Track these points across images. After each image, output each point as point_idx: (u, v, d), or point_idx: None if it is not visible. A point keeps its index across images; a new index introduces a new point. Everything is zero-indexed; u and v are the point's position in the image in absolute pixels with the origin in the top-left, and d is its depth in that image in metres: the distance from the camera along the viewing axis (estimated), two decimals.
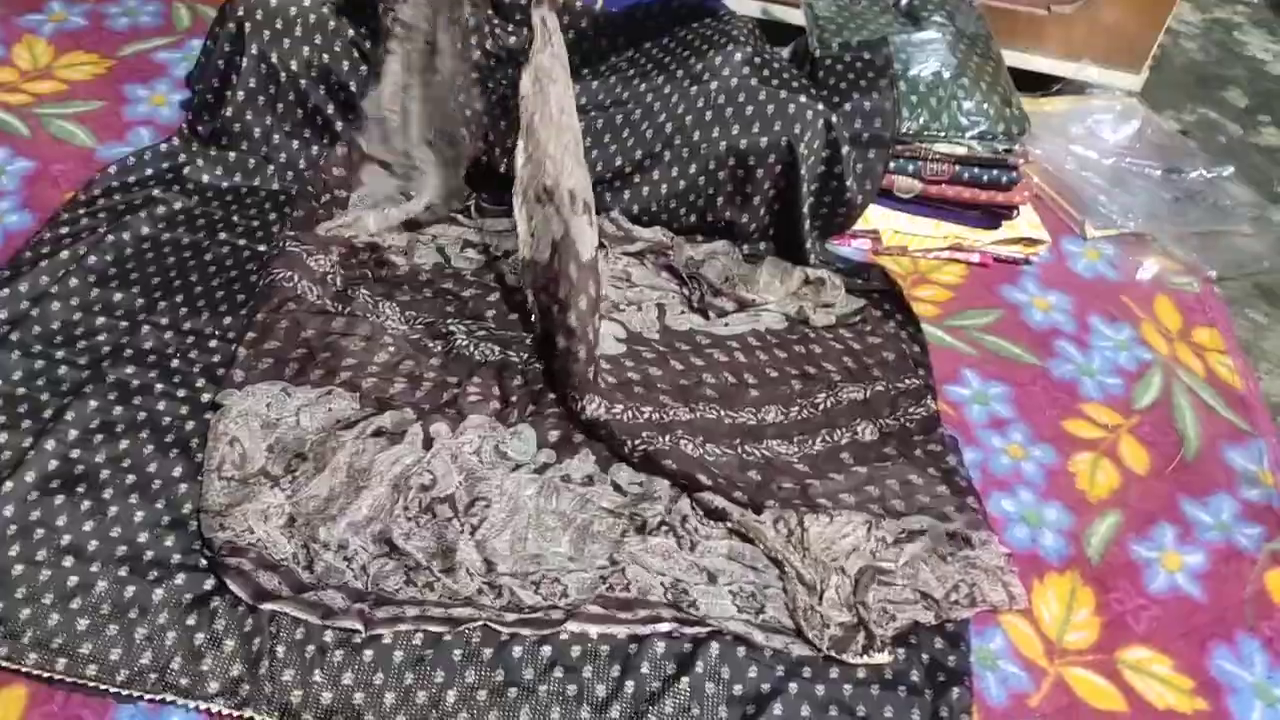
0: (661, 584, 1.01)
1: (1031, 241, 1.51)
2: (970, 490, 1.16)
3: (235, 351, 1.14)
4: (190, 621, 0.92)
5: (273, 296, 1.21)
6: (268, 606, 0.93)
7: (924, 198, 1.47)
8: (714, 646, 0.96)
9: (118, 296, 1.19)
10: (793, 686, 0.95)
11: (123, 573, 0.94)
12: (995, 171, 1.45)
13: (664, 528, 1.04)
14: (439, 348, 1.22)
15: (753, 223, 1.43)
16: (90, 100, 1.50)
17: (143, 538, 0.97)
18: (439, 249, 1.36)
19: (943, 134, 1.45)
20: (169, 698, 0.88)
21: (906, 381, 1.28)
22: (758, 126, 1.35)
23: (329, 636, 0.92)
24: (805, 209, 1.39)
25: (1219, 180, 1.72)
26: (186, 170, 1.39)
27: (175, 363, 1.13)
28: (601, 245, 1.30)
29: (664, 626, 0.97)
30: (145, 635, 0.91)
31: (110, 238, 1.24)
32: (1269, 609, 1.12)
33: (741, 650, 0.96)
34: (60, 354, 1.12)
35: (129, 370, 1.11)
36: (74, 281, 1.19)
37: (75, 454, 1.02)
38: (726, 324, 1.33)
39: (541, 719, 0.91)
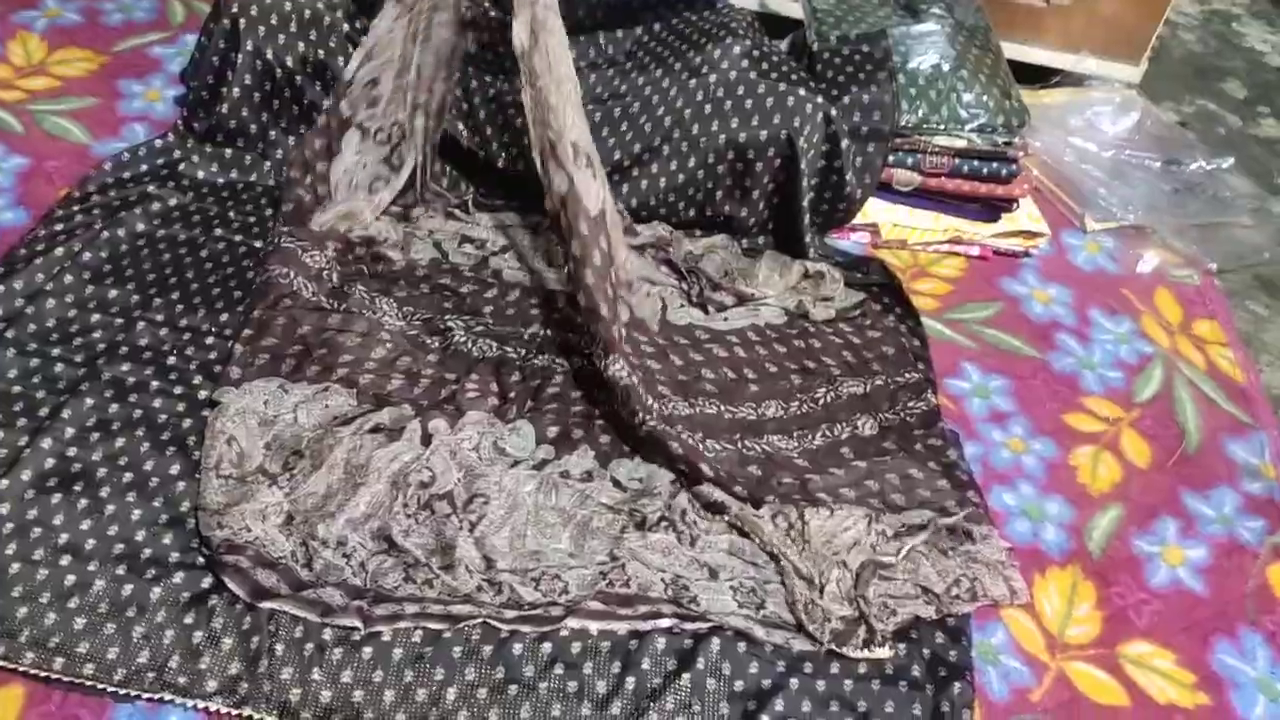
0: (662, 580, 1.00)
1: (1031, 234, 1.51)
2: (971, 484, 1.15)
3: (232, 348, 1.13)
4: (188, 620, 0.91)
5: (269, 293, 1.20)
6: (266, 604, 0.92)
7: (923, 191, 1.47)
8: (715, 642, 0.96)
9: (113, 293, 1.19)
10: (794, 682, 0.94)
11: (120, 571, 0.94)
12: (995, 164, 1.45)
13: (664, 523, 1.04)
14: (436, 344, 1.21)
15: (752, 216, 1.42)
16: (85, 96, 1.49)
17: (140, 536, 0.97)
18: (436, 244, 1.35)
19: (942, 127, 1.44)
20: (167, 696, 0.88)
21: (906, 375, 1.28)
22: (757, 120, 1.34)
23: (328, 634, 0.92)
24: (804, 203, 1.38)
25: (1218, 172, 1.71)
26: (182, 166, 1.38)
27: (172, 360, 1.13)
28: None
29: (665, 622, 0.97)
30: (143, 634, 0.90)
31: (105, 234, 1.24)
32: (1271, 603, 1.11)
33: (742, 646, 0.96)
34: (56, 352, 1.11)
35: (125, 368, 1.10)
36: (69, 279, 1.18)
37: (72, 452, 1.02)
38: (726, 319, 1.32)
39: (542, 716, 0.90)
